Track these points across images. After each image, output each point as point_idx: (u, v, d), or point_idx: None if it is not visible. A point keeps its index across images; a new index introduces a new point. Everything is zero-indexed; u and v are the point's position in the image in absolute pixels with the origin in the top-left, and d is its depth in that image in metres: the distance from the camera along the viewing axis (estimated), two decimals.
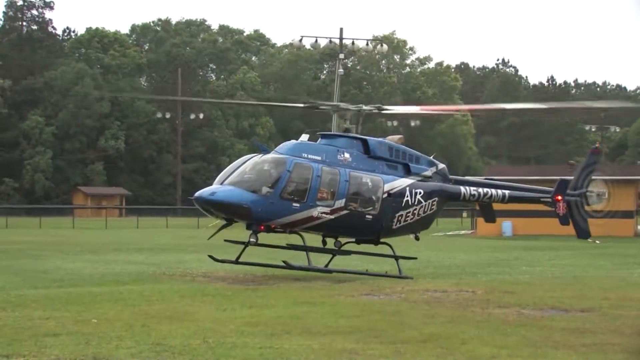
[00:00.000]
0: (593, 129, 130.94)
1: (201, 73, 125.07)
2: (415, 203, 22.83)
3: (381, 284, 20.90)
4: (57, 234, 48.87)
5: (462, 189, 24.34)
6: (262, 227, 21.22)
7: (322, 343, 12.66)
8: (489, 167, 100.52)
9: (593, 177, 26.09)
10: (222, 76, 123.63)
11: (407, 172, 22.96)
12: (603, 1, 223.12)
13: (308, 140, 22.33)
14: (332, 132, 23.46)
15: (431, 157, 24.15)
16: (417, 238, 23.75)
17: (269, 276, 22.92)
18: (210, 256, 23.30)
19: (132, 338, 12.89)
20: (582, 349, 12.50)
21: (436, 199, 23.42)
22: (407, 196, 22.65)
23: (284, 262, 21.84)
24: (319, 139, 22.80)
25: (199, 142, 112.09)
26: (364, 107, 23.90)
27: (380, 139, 23.25)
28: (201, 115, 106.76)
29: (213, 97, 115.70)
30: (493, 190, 24.84)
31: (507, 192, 25.06)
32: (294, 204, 21.09)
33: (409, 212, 22.73)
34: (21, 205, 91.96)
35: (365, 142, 22.69)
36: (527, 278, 23.27)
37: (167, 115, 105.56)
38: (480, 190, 24.63)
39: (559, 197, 25.48)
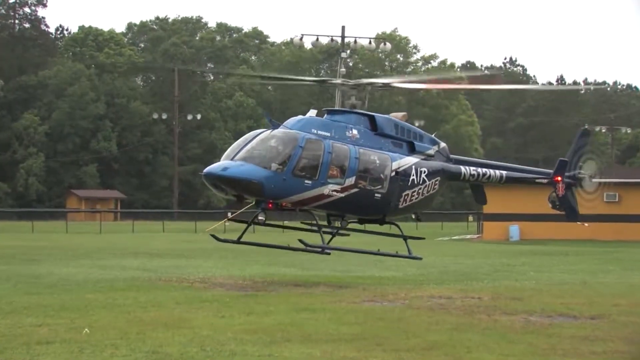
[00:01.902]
0: (603, 130, 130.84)
1: (199, 73, 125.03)
2: (420, 182, 23.00)
3: (384, 290, 20.92)
4: (49, 239, 48.87)
5: (463, 168, 24.58)
6: (271, 205, 21.15)
7: (324, 351, 12.67)
8: None
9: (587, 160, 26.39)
10: (221, 76, 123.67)
11: (412, 150, 23.07)
12: (615, 0, 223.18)
13: (316, 115, 22.35)
14: (338, 108, 23.27)
15: (433, 135, 24.32)
16: (418, 218, 23.91)
17: (268, 282, 22.95)
18: (212, 235, 23.51)
19: (127, 346, 12.91)
20: (591, 357, 12.52)
21: (438, 178, 23.66)
22: (413, 175, 22.81)
23: (299, 240, 21.75)
24: (325, 115, 22.79)
25: (196, 143, 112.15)
26: (371, 81, 24.05)
27: (386, 116, 23.32)
28: (198, 116, 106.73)
29: (213, 99, 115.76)
30: (491, 171, 25.15)
31: (504, 172, 25.40)
32: (306, 181, 21.00)
33: (414, 191, 22.89)
34: (13, 209, 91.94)
35: (372, 119, 22.73)
36: (534, 284, 23.27)
37: (164, 116, 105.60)
38: (480, 170, 24.90)
39: (559, 178, 25.80)
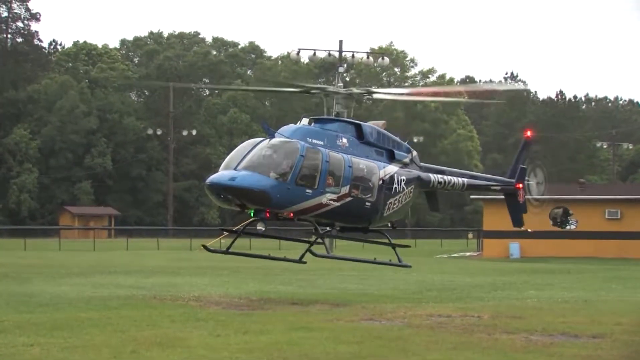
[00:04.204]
0: (604, 146, 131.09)
1: (193, 89, 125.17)
2: (401, 191, 23.45)
3: (382, 308, 20.89)
4: (42, 256, 48.77)
5: (432, 176, 25.10)
6: (268, 215, 21.21)
7: None
8: None
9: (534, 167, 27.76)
10: (216, 91, 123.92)
11: (392, 158, 23.48)
12: (615, 15, 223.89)
13: (308, 124, 22.56)
14: (325, 117, 23.48)
15: (406, 143, 24.75)
16: (394, 226, 24.14)
17: (265, 300, 22.93)
18: (203, 246, 23.97)
19: None
20: None
21: (413, 186, 24.13)
22: (396, 183, 23.27)
23: (309, 250, 22.05)
24: (312, 124, 22.89)
25: (190, 159, 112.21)
26: (355, 90, 24.33)
27: (370, 124, 23.59)
28: (194, 132, 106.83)
29: (208, 114, 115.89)
30: (455, 179, 25.85)
31: (466, 180, 26.23)
32: (307, 190, 21.19)
33: (396, 199, 23.33)
34: (5, 226, 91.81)
35: (359, 127, 23.04)
36: (535, 302, 23.26)
37: (158, 132, 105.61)
38: (446, 178, 25.52)
39: (521, 185, 27.01)
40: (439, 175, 25.25)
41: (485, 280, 32.31)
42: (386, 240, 23.44)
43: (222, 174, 20.88)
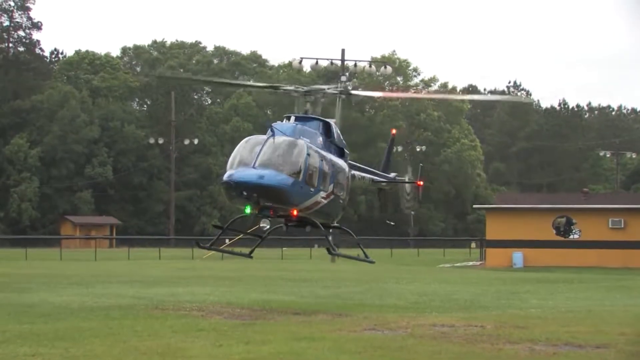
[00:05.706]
0: (608, 155, 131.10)
1: (196, 96, 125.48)
2: (351, 188, 24.30)
3: (385, 318, 20.87)
4: (43, 266, 48.79)
5: (355, 173, 25.77)
6: (272, 212, 21.18)
7: None
8: (498, 194, 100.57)
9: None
10: (218, 100, 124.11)
11: (343, 155, 24.03)
12: (618, 24, 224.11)
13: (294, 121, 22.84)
14: (303, 114, 23.51)
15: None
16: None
17: (267, 310, 22.93)
18: (196, 242, 24.65)
19: None
20: None
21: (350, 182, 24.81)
22: (350, 180, 24.11)
23: (327, 249, 22.50)
24: (292, 120, 22.95)
25: (192, 168, 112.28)
26: (327, 90, 24.43)
27: (332, 124, 23.88)
28: (195, 141, 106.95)
29: (210, 124, 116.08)
30: (367, 175, 26.98)
31: (373, 176, 27.37)
32: (311, 189, 21.48)
33: (348, 195, 24.08)
34: (6, 235, 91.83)
35: (328, 126, 23.42)
36: (539, 312, 23.23)
37: (160, 141, 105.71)
38: (362, 174, 26.51)
39: (422, 183, 28.92)
40: (357, 172, 26.06)
41: (489, 289, 32.27)
42: (340, 236, 24.21)
43: (247, 172, 20.59)
